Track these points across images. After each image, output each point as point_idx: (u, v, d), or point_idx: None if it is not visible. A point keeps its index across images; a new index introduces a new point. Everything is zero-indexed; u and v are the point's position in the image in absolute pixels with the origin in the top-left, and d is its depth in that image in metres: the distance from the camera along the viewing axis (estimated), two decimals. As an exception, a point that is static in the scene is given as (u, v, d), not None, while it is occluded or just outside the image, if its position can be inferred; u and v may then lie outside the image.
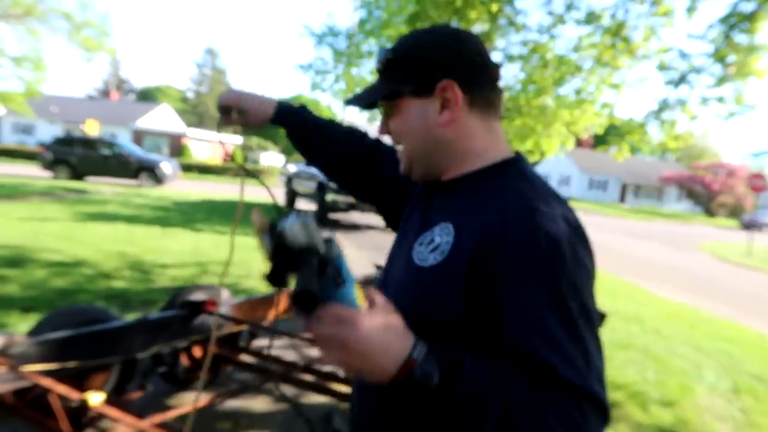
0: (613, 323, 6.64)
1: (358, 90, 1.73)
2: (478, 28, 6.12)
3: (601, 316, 3.05)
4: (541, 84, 6.70)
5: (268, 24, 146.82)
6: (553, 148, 7.81)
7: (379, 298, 0.86)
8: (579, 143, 34.90)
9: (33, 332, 2.88)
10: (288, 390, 3.85)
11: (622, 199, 53.23)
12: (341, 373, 3.39)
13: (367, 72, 14.58)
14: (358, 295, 0.92)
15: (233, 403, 3.63)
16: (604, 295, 8.18)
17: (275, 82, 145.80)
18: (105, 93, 60.98)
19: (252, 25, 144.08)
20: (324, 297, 0.84)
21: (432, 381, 0.80)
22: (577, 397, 0.79)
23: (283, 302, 4.23)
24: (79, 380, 3.03)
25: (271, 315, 4.10)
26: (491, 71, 1.03)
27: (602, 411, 0.81)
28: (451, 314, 0.91)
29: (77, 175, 20.12)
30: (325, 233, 0.91)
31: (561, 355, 0.80)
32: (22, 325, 4.47)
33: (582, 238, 0.90)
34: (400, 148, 1.09)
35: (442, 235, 0.98)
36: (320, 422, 3.46)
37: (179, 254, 7.91)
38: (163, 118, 46.19)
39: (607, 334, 5.84)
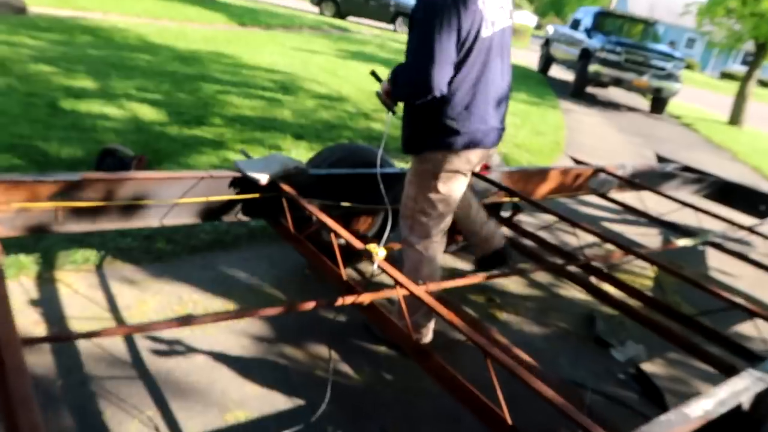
0: None
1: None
2: None
3: None
4: None
5: None
6: None
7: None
8: None
9: (314, 163, 2.79)
10: (544, 277, 3.44)
11: None
12: (605, 267, 2.84)
13: None
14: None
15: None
16: None
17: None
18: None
19: None
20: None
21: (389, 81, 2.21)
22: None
23: (556, 178, 3.70)
24: (348, 219, 2.97)
25: (543, 190, 3.63)
26: None
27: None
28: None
29: (340, 13, 20.88)
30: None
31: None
32: (294, 151, 4.65)
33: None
34: None
35: None
36: (580, 324, 3.03)
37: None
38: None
39: None
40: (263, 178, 2.38)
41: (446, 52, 1.96)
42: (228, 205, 2.40)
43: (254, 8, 16.80)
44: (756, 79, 12.63)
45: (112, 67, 6.15)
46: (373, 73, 2.40)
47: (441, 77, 1.98)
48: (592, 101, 12.58)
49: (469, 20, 1.98)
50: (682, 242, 3.18)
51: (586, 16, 13.55)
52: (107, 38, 7.94)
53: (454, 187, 2.28)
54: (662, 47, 12.37)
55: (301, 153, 4.60)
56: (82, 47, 7.00)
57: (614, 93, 14.63)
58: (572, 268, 2.95)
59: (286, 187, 2.40)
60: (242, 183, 2.40)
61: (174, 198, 2.26)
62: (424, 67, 1.96)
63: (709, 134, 10.89)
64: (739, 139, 10.92)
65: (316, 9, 21.17)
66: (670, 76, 11.67)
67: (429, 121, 2.14)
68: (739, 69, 36.61)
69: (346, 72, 8.93)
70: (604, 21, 13.30)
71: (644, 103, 13.60)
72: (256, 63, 8.20)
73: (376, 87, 2.33)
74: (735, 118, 12.73)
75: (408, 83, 2.08)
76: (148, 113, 4.86)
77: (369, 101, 7.00)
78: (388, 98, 2.24)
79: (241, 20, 13.07)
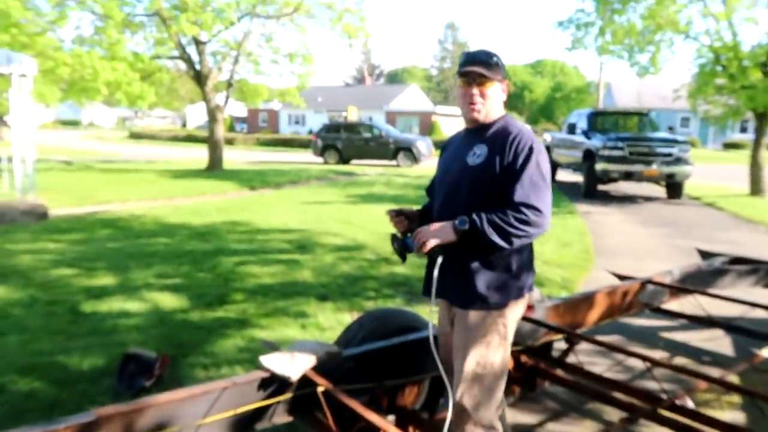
0: None
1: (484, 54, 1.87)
2: None
3: None
4: None
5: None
6: None
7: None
8: None
9: (344, 341, 2.57)
10: (616, 414, 3.05)
11: None
12: (686, 402, 2.47)
13: (637, 17, 12.62)
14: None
15: (555, 428, 2.98)
16: None
17: (518, 46, 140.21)
18: (359, 80, 66.04)
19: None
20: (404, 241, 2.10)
21: (465, 226, 1.91)
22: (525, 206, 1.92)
23: (603, 301, 3.43)
24: (393, 393, 2.68)
25: (593, 318, 3.34)
26: None
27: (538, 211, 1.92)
28: (488, 182, 2.00)
29: (343, 159, 21.79)
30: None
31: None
32: (321, 315, 4.45)
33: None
34: (478, 103, 2.06)
35: (480, 150, 2.06)
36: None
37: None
38: (412, 98, 48.15)
39: None
40: (294, 374, 2.15)
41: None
42: (259, 412, 2.15)
43: (262, 170, 17.57)
44: (765, 146, 12.57)
45: (131, 258, 6.18)
46: (397, 237, 2.16)
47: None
48: (607, 198, 12.52)
49: None
50: (767, 352, 2.83)
51: (580, 119, 13.90)
52: (125, 228, 8.13)
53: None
54: (663, 134, 12.52)
55: (327, 317, 4.40)
56: (102, 242, 7.13)
57: (626, 185, 14.60)
58: (636, 401, 2.61)
59: (320, 380, 2.16)
60: (272, 382, 2.17)
61: (199, 416, 2.03)
62: (546, 210, 1.94)
63: (736, 210, 10.62)
64: None
65: (320, 159, 22.13)
66: (679, 160, 11.66)
67: (515, 265, 2.04)
68: (741, 137, 37.08)
69: (358, 218, 8.99)
70: (598, 120, 13.63)
71: (659, 191, 13.51)
72: (270, 225, 8.29)
73: (391, 228, 2.22)
74: (756, 188, 12.51)
75: (529, 228, 1.91)
76: (169, 302, 4.75)
77: (386, 244, 6.90)
78: (453, 240, 1.96)
79: (251, 184, 13.56)
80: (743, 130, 37.87)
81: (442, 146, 2.37)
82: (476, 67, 2.01)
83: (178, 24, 13.57)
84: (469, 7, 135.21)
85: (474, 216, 1.92)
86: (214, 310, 4.59)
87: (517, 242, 1.92)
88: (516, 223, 1.89)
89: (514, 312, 2.04)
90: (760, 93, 11.05)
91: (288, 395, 2.17)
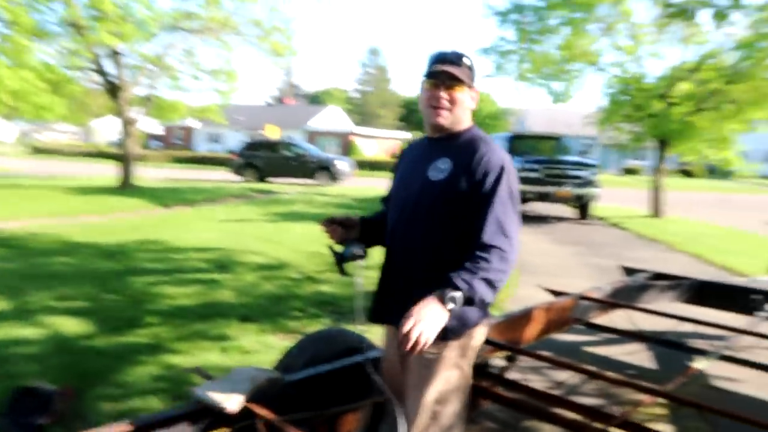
0: None
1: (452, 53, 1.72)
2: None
3: None
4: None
5: (432, 13, 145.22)
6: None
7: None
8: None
9: (285, 365, 2.34)
10: None
11: None
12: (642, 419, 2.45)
13: (553, 47, 13.21)
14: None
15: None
16: None
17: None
18: (280, 99, 65.21)
19: (415, 16, 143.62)
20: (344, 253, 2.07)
21: (455, 304, 1.61)
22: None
23: (541, 317, 3.39)
24: (332, 421, 2.47)
25: (532, 333, 3.29)
26: None
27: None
28: (452, 200, 1.79)
29: (262, 176, 21.27)
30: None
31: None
32: (243, 337, 4.16)
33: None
34: (445, 108, 1.85)
35: (443, 164, 1.83)
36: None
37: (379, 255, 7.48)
38: (331, 119, 48.11)
39: None
40: (231, 405, 1.89)
41: None
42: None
43: (177, 187, 16.76)
44: (664, 172, 13.48)
45: (27, 279, 5.56)
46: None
47: None
48: (522, 218, 12.89)
49: None
50: (700, 365, 2.87)
51: (500, 142, 14.32)
52: (20, 246, 7.37)
53: None
54: (575, 158, 13.13)
55: (250, 339, 4.11)
56: (-9, 262, 6.40)
57: (539, 206, 15.15)
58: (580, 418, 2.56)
59: (261, 410, 1.92)
60: (204, 415, 1.90)
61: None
62: (516, 239, 1.75)
63: (639, 230, 11.25)
64: (668, 230, 11.32)
65: (239, 177, 21.48)
66: (589, 183, 12.26)
67: None
68: (637, 163, 39.88)
69: (280, 236, 8.68)
70: (517, 143, 14.11)
71: (567, 210, 14.10)
72: (186, 244, 7.80)
73: (315, 246, 2.07)
74: (655, 210, 13.35)
75: (509, 265, 1.70)
76: (70, 326, 4.27)
77: (310, 262, 6.68)
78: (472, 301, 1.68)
79: (165, 202, 12.84)
80: (636, 158, 40.77)
81: (399, 155, 2.14)
82: (447, 67, 1.79)
83: (98, 34, 12.69)
84: (390, 32, 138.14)
85: (460, 283, 1.61)
86: (124, 334, 4.17)
87: (501, 286, 1.70)
88: (500, 266, 1.66)
89: (475, 341, 1.85)
90: (662, 121, 11.88)
91: (224, 430, 1.91)
